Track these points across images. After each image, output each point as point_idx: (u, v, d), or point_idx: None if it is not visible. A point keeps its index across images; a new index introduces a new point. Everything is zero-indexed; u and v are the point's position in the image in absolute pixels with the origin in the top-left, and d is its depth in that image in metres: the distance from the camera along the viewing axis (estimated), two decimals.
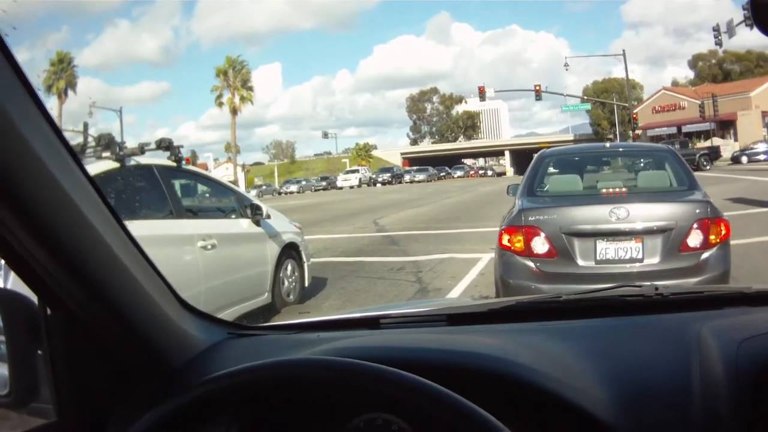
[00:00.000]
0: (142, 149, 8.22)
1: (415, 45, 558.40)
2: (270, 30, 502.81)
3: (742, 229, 14.57)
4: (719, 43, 55.61)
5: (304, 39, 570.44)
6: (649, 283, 2.55)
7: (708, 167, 57.33)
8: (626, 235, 7.70)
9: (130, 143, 8.19)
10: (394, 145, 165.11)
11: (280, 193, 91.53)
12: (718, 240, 7.67)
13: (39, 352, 1.76)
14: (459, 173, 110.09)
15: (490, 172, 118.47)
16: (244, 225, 10.09)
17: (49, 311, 1.71)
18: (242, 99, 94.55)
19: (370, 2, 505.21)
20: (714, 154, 67.54)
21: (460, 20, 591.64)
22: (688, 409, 1.56)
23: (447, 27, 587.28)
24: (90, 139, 8.02)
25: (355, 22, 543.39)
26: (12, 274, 1.56)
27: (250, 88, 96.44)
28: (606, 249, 7.71)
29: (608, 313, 2.20)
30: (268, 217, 10.49)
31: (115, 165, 7.62)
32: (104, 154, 7.62)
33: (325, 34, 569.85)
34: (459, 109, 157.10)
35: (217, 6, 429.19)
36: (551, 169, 9.70)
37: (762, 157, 64.74)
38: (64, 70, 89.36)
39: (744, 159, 65.70)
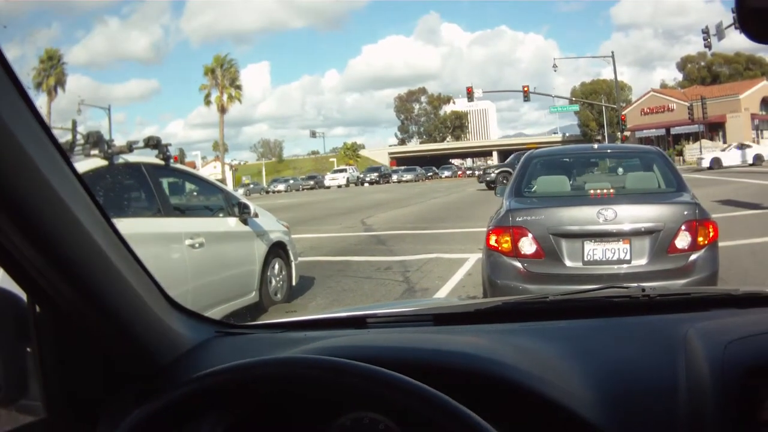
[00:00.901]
0: (130, 147, 8.20)
1: (403, 45, 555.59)
2: (259, 29, 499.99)
3: (731, 230, 14.61)
4: (708, 46, 55.73)
5: (294, 38, 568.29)
6: (636, 285, 2.56)
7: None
8: (614, 236, 7.70)
9: (119, 141, 8.17)
10: (381, 145, 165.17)
11: (267, 192, 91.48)
12: (706, 242, 7.68)
13: (28, 349, 1.76)
14: (447, 173, 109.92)
15: (477, 173, 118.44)
16: (232, 223, 10.07)
17: (38, 308, 1.71)
18: (230, 98, 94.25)
19: (359, 2, 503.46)
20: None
21: (449, 20, 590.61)
22: (674, 410, 1.57)
23: (436, 27, 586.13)
24: (78, 136, 7.99)
25: (344, 22, 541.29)
26: (0, 271, 1.54)
27: (238, 87, 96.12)
28: (594, 250, 7.71)
29: (595, 314, 2.21)
30: (256, 215, 10.47)
31: (104, 163, 7.59)
32: (92, 152, 7.60)
33: (315, 33, 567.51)
34: (447, 109, 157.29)
35: (207, 4, 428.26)
36: (539, 170, 9.71)
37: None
38: (53, 68, 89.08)
39: None
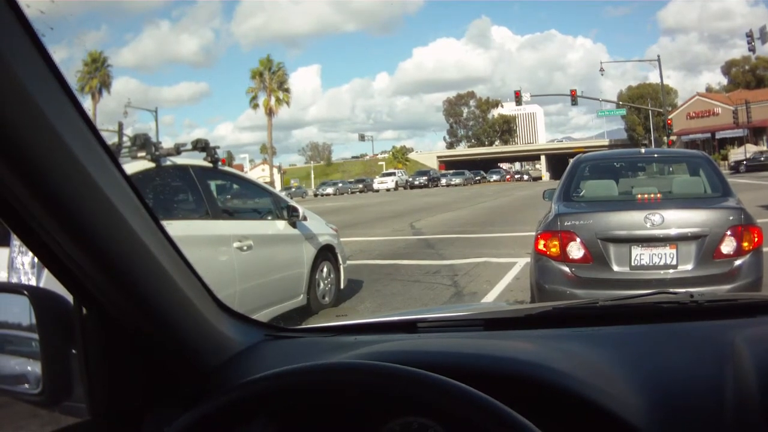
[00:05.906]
0: (178, 150, 8.25)
1: (454, 48, 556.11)
2: (311, 32, 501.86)
3: None
4: (752, 50, 55.59)
5: (345, 41, 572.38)
6: (684, 291, 2.54)
7: None
8: (661, 241, 7.68)
9: (167, 143, 8.22)
10: (430, 149, 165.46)
11: (316, 195, 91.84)
12: (751, 247, 7.67)
13: (73, 351, 1.75)
14: (495, 177, 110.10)
15: (526, 177, 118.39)
16: (281, 226, 10.12)
17: (84, 310, 1.70)
18: (278, 101, 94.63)
19: (413, 6, 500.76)
20: None
21: (500, 24, 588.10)
22: (721, 418, 1.54)
23: (486, 30, 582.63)
24: (125, 138, 8.06)
25: (396, 25, 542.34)
26: (45, 272, 1.55)
27: (287, 90, 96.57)
28: (641, 255, 7.70)
29: (644, 319, 2.18)
30: (305, 218, 10.51)
31: (151, 165, 7.65)
32: (139, 154, 7.65)
33: (367, 36, 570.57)
34: (495, 113, 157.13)
35: (258, 8, 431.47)
36: (587, 174, 9.67)
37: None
38: (97, 70, 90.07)
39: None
